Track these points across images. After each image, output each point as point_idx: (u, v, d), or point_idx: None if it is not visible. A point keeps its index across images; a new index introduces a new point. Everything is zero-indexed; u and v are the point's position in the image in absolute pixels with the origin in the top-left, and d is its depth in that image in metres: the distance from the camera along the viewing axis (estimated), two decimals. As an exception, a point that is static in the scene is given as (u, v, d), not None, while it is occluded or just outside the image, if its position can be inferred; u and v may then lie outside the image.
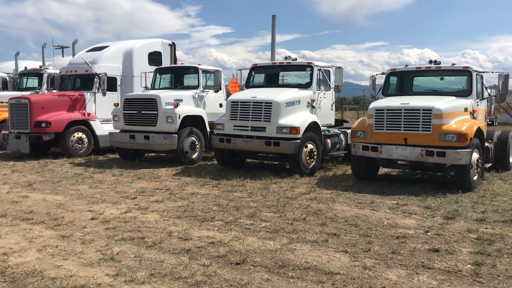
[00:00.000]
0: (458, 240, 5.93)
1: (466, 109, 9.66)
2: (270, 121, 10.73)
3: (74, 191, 9.05)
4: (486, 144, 10.79)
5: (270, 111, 10.73)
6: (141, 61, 16.06)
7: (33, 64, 19.97)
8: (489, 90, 11.29)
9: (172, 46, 17.34)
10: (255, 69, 12.93)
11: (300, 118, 10.89)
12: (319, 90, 11.98)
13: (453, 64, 10.39)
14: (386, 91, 11.03)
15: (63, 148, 14.34)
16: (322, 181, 10.18)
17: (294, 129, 10.56)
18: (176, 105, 12.46)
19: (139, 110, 12.97)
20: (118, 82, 15.71)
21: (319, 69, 12.01)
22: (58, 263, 5.00)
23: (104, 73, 14.95)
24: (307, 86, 11.83)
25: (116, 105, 14.03)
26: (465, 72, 10.22)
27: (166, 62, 16.65)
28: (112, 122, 13.87)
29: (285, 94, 11.13)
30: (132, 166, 12.39)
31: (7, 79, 19.31)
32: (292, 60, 12.53)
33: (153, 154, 14.86)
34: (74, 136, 14.41)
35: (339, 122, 14.19)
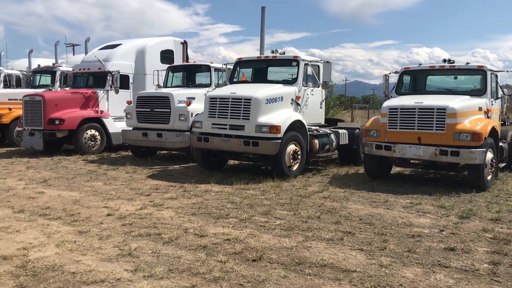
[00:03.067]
0: (474, 239, 5.92)
1: (480, 109, 9.63)
2: (249, 119, 9.99)
3: (89, 187, 9.14)
4: (500, 143, 10.73)
5: (249, 108, 10.00)
6: (154, 59, 16.16)
7: (46, 61, 20.12)
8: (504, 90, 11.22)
9: (184, 44, 17.42)
10: (240, 63, 12.27)
11: (281, 116, 10.17)
12: (306, 86, 11.28)
13: (467, 63, 10.34)
14: (399, 90, 11.01)
15: (76, 145, 14.47)
16: (334, 180, 10.18)
17: (274, 128, 9.81)
18: (189, 103, 12.51)
19: (151, 108, 13.04)
20: (131, 80, 15.82)
21: (306, 64, 11.29)
22: (77, 258, 5.06)
23: (117, 71, 15.05)
24: (292, 82, 11.16)
25: (129, 102, 14.13)
26: (480, 71, 10.17)
27: (178, 60, 16.74)
28: (124, 119, 13.96)
29: (266, 90, 10.42)
30: (145, 164, 12.48)
31: (21, 76, 19.48)
32: (280, 54, 11.82)
33: (165, 151, 14.95)
34: (87, 134, 14.54)
35: (332, 122, 13.73)
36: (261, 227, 6.37)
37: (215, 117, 10.45)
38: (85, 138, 14.50)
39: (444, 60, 10.65)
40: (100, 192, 8.64)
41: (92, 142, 14.66)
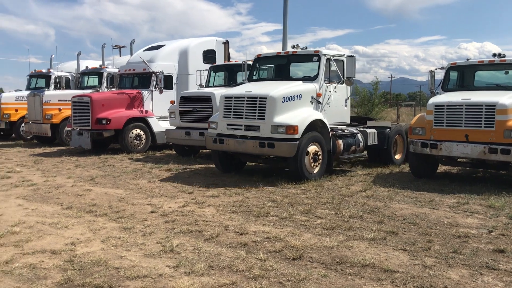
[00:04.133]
0: (526, 241, 5.65)
1: (533, 104, 9.17)
2: (264, 119, 9.40)
3: (134, 185, 9.37)
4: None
5: (265, 107, 9.43)
6: (196, 59, 16.38)
7: (93, 63, 20.81)
8: None
9: (226, 44, 17.56)
10: (259, 60, 11.62)
11: (299, 116, 9.50)
12: (328, 83, 10.51)
13: (519, 57, 9.89)
14: (446, 86, 10.67)
15: (122, 144, 14.87)
16: (378, 179, 9.98)
17: (290, 128, 9.18)
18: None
19: (194, 108, 13.22)
20: (174, 80, 16.10)
21: (328, 59, 10.51)
22: (121, 254, 5.20)
23: (161, 71, 15.35)
24: (313, 78, 10.41)
25: (172, 102, 14.39)
26: (533, 65, 9.70)
27: (220, 60, 16.89)
28: (168, 119, 14.23)
29: (283, 88, 9.78)
30: (188, 162, 12.67)
31: (70, 78, 20.23)
32: (302, 48, 11.02)
33: (207, 150, 15.10)
34: (132, 133, 14.92)
35: (361, 120, 13.00)
36: (302, 226, 6.33)
37: (230, 117, 9.96)
38: (130, 137, 14.89)
39: (494, 55, 10.23)
40: (145, 190, 8.84)
41: (138, 141, 15.03)
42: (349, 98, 11.40)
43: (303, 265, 4.84)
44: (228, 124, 9.98)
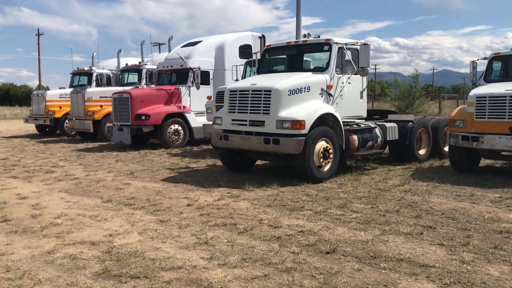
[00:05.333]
0: None
1: None
2: (269, 113, 8.86)
3: (171, 179, 9.54)
4: None
5: (270, 101, 8.88)
6: (232, 55, 16.43)
7: (133, 60, 21.26)
8: None
9: (262, 38, 17.46)
10: (269, 51, 10.97)
11: (307, 109, 8.86)
12: (341, 73, 9.79)
13: None
14: (488, 77, 10.31)
15: (161, 139, 15.17)
16: (417, 173, 9.77)
17: (297, 123, 8.55)
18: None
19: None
20: (211, 76, 16.25)
21: (340, 48, 9.75)
22: (157, 246, 5.31)
23: (198, 67, 15.53)
24: (323, 69, 9.75)
25: (209, 98, 14.54)
26: None
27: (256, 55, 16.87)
28: (205, 114, 14.38)
29: (290, 80, 9.21)
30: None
31: (111, 75, 20.76)
32: (314, 37, 10.34)
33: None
34: (171, 128, 15.18)
35: (383, 114, 12.21)
36: (336, 220, 6.28)
37: (235, 112, 9.44)
38: (169, 132, 15.16)
39: (541, 43, 9.78)
40: (181, 184, 8.98)
41: (176, 136, 15.29)
42: (365, 89, 10.54)
43: (337, 259, 4.80)
44: (233, 120, 9.48)
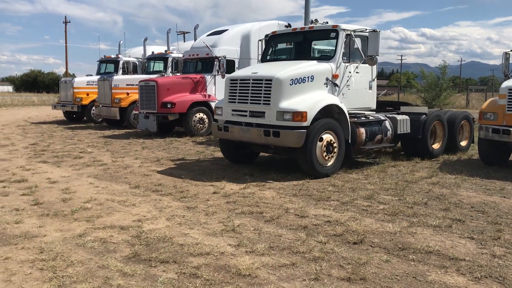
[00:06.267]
0: None
1: None
2: (269, 104, 8.43)
3: (197, 167, 9.62)
4: None
5: (270, 90, 8.47)
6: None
7: (158, 49, 21.39)
8: None
9: (288, 27, 17.41)
10: (274, 38, 10.44)
11: (309, 100, 8.39)
12: (348, 62, 9.23)
13: None
14: (521, 68, 10.03)
15: (186, 127, 15.27)
16: (445, 166, 9.62)
17: (298, 115, 8.09)
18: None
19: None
20: (236, 65, 16.21)
21: (348, 35, 9.20)
22: (185, 232, 5.38)
23: (223, 56, 15.53)
24: (329, 57, 9.25)
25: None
26: None
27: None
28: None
29: (292, 68, 8.73)
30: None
31: (137, 63, 20.95)
32: (323, 23, 9.82)
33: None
34: (196, 117, 15.26)
35: (395, 105, 11.58)
36: (363, 211, 6.24)
37: (235, 102, 9.04)
38: (194, 121, 15.25)
39: None
40: (207, 171, 9.05)
41: (201, 125, 15.37)
42: (375, 79, 9.90)
43: (364, 249, 4.79)
44: (233, 110, 9.09)
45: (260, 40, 11.07)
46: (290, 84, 8.42)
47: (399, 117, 10.11)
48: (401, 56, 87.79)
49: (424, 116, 10.49)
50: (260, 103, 8.58)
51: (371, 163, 9.49)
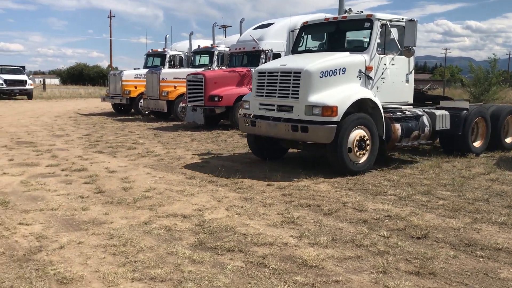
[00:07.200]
0: None
1: None
2: (298, 98, 8.09)
3: (247, 159, 9.72)
4: None
5: (299, 84, 8.14)
6: (305, 37, 16.27)
7: (204, 43, 21.64)
8: None
9: (335, 21, 17.25)
10: (306, 28, 9.96)
11: (341, 94, 7.99)
12: (383, 53, 8.78)
13: None
14: None
15: (232, 120, 15.41)
16: (502, 162, 9.35)
17: (328, 109, 7.70)
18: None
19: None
20: (283, 58, 16.21)
21: (383, 25, 8.73)
22: (245, 222, 5.46)
23: (270, 49, 15.55)
24: (363, 48, 8.79)
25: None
26: None
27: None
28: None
29: (323, 60, 8.32)
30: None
31: (183, 57, 21.27)
32: (357, 12, 9.46)
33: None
34: (241, 110, 15.35)
35: (435, 99, 11.06)
36: (423, 206, 6.16)
37: (262, 95, 8.75)
38: (239, 114, 15.34)
39: None
40: (259, 164, 9.13)
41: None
42: (412, 72, 9.35)
43: (429, 244, 4.73)
44: (260, 104, 8.80)
45: (291, 31, 10.54)
46: (320, 77, 8.04)
47: (438, 112, 9.58)
48: (446, 49, 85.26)
49: (466, 111, 9.93)
50: (288, 97, 8.27)
51: (424, 159, 9.32)
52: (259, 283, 3.82)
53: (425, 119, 9.28)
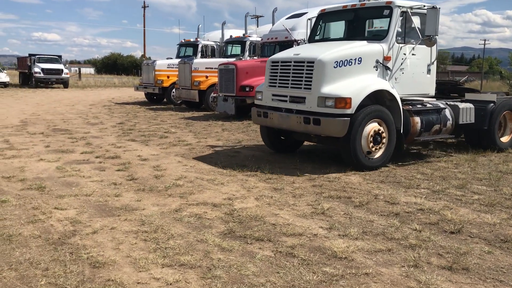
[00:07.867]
0: None
1: None
2: (311, 88, 7.74)
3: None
4: None
5: (312, 74, 7.77)
6: (338, 27, 16.05)
7: (237, 32, 21.63)
8: None
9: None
10: (323, 16, 9.52)
11: (356, 85, 7.59)
12: (402, 42, 8.28)
13: None
14: None
15: (263, 111, 15.38)
16: (541, 157, 9.03)
17: (341, 101, 7.34)
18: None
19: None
20: (315, 48, 16.04)
21: (404, 12, 8.23)
22: (275, 212, 5.46)
23: (302, 39, 15.37)
24: (381, 37, 8.28)
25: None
26: None
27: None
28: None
29: (337, 50, 7.91)
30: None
31: (215, 47, 21.33)
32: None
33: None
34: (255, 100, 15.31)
35: (460, 91, 10.46)
36: (457, 200, 6.01)
37: (275, 86, 8.43)
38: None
39: None
40: (290, 155, 9.10)
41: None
42: (434, 63, 8.83)
43: (463, 239, 4.62)
44: (273, 95, 8.49)
45: (309, 19, 10.25)
46: (334, 67, 7.65)
47: (461, 105, 9.08)
48: (484, 40, 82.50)
49: (492, 104, 9.40)
50: (301, 88, 7.92)
51: (459, 152, 9.07)
52: (288, 273, 3.81)
53: (447, 112, 8.82)
